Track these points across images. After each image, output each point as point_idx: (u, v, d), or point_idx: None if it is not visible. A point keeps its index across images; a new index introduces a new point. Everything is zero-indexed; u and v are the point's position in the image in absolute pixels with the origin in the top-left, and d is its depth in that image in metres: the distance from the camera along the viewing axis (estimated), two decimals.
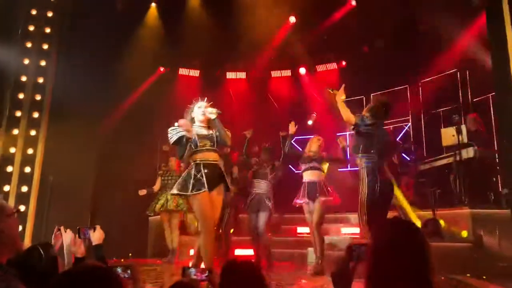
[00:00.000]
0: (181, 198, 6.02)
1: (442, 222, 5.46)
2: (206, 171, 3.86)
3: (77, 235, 2.38)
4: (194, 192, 3.78)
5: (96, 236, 2.38)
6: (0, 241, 1.58)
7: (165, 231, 6.38)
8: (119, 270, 2.05)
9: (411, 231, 1.49)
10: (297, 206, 5.50)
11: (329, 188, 5.31)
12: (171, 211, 6.31)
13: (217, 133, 3.98)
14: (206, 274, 2.07)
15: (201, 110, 4.05)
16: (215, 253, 3.82)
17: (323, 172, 5.41)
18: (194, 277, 2.08)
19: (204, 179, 3.81)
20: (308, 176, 5.36)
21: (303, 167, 5.45)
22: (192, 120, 4.09)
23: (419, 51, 8.05)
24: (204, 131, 4.03)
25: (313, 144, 5.48)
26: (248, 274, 1.69)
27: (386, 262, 1.43)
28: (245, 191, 5.89)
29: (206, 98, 4.17)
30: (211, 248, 3.76)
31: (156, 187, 6.44)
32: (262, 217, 5.57)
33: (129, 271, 2.06)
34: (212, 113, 3.93)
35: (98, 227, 2.43)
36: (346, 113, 4.03)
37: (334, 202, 5.29)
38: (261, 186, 5.66)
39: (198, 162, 3.91)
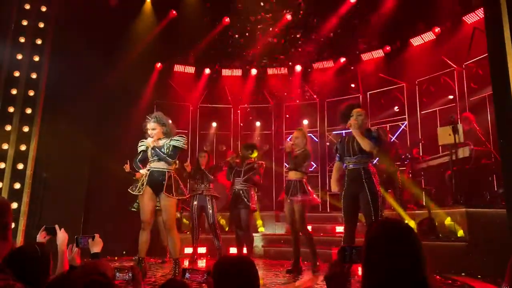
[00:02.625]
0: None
1: (448, 219, 5.42)
2: (150, 178, 4.53)
3: (74, 244, 2.35)
4: (135, 193, 4.62)
5: (95, 245, 2.36)
6: (6, 239, 1.55)
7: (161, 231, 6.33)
8: (118, 274, 2.02)
9: (401, 230, 1.48)
10: None
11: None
12: None
13: (165, 148, 4.51)
14: (205, 277, 2.03)
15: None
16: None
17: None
18: (189, 279, 2.04)
19: (144, 184, 4.53)
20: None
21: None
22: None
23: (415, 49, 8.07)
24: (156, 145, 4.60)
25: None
26: (240, 270, 1.65)
27: (380, 263, 1.42)
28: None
29: (148, 118, 4.65)
30: (143, 242, 4.50)
31: (138, 175, 6.36)
32: (242, 214, 5.71)
33: (130, 274, 2.03)
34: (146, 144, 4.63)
35: (97, 236, 2.41)
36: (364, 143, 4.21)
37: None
38: (237, 184, 5.85)
39: (148, 169, 4.60)
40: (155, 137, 4.58)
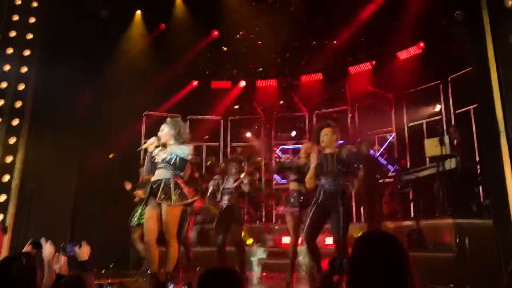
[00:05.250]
0: None
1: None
2: (153, 187, 4.27)
3: (61, 253, 2.32)
4: (146, 206, 4.33)
5: (83, 253, 2.33)
6: None
7: (137, 245, 6.18)
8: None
9: (389, 242, 1.49)
10: None
11: None
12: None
13: (171, 156, 4.20)
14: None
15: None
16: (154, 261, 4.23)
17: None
18: None
19: (147, 195, 4.32)
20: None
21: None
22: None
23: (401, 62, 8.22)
24: (162, 152, 4.32)
25: None
26: (226, 282, 1.66)
27: (365, 275, 1.43)
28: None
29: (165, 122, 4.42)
30: (151, 255, 4.23)
31: (139, 193, 6.23)
32: (233, 229, 5.50)
33: None
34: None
35: (84, 243, 2.39)
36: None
37: None
38: (225, 198, 5.62)
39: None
40: (153, 139, 4.31)
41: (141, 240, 6.14)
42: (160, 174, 4.32)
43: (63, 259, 2.26)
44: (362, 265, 1.46)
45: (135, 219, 6.18)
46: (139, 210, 6.20)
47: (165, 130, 4.35)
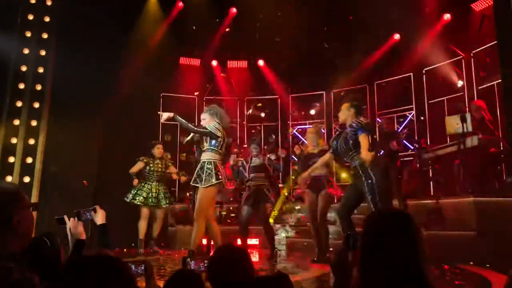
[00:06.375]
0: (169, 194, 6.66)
1: None
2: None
3: (76, 218, 2.39)
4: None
5: (99, 216, 2.39)
6: (15, 232, 1.56)
7: (140, 222, 6.45)
8: (132, 266, 2.04)
9: (400, 219, 1.47)
10: None
11: None
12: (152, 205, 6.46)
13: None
14: (205, 265, 2.07)
15: None
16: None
17: None
18: (192, 267, 2.08)
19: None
20: None
21: None
22: None
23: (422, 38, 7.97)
24: None
25: None
26: (234, 260, 1.73)
27: (376, 251, 1.42)
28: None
29: (204, 111, 4.72)
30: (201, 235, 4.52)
31: (133, 170, 6.45)
32: (262, 208, 5.66)
33: (142, 267, 2.06)
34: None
35: (97, 207, 2.44)
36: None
37: None
38: (253, 178, 5.75)
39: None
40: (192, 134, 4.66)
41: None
42: (203, 156, 4.62)
43: (79, 225, 2.33)
44: (373, 242, 1.45)
45: (130, 195, 6.40)
46: (135, 190, 6.37)
47: (207, 119, 4.59)
